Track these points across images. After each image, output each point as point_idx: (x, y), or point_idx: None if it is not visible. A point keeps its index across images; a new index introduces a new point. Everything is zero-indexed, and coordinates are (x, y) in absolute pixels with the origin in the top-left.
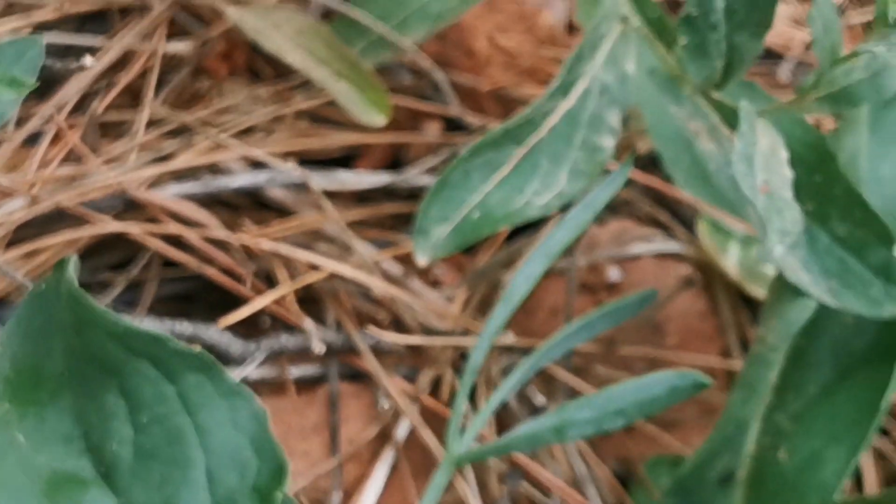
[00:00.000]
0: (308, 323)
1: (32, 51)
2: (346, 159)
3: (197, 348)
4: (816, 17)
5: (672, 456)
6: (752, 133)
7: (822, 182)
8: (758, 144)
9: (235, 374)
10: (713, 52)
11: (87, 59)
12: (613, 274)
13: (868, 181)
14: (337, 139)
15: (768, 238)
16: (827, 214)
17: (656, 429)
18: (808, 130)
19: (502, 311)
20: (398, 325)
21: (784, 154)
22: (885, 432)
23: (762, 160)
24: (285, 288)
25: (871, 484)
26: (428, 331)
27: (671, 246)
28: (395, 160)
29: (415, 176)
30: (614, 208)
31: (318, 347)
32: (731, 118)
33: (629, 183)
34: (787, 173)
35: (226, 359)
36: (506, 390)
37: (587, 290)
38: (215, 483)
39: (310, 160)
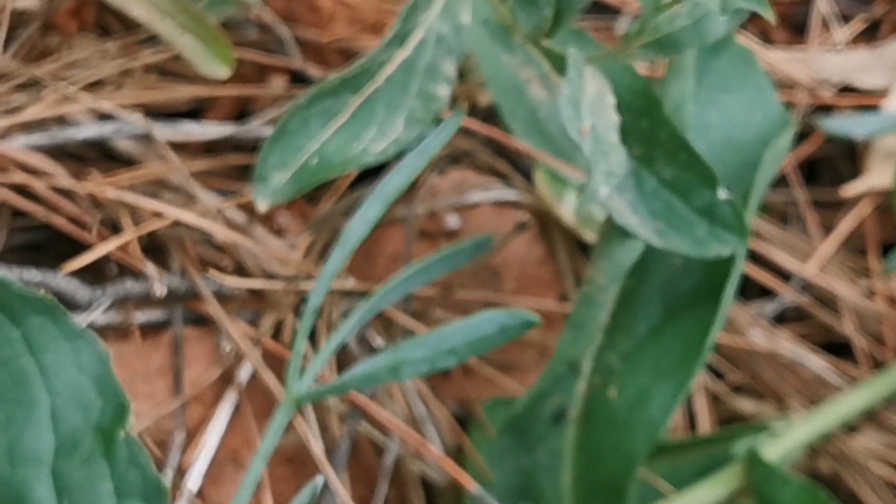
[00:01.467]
0: (150, 268)
1: None
2: (195, 112)
3: (42, 293)
4: None
5: (509, 397)
6: (580, 79)
7: (648, 127)
8: (585, 90)
9: (82, 320)
10: (542, 0)
11: None
12: (452, 221)
13: (695, 127)
14: (184, 92)
15: (594, 179)
16: (653, 158)
17: (495, 371)
18: (636, 77)
19: (340, 253)
20: (241, 272)
21: (611, 99)
22: (719, 375)
23: (589, 105)
24: (129, 234)
25: (705, 425)
26: (270, 276)
27: (509, 194)
28: (241, 113)
29: (258, 127)
30: (455, 159)
31: (160, 290)
32: (560, 65)
33: (470, 134)
34: (614, 118)
35: (73, 305)
36: (345, 332)
37: (427, 237)
38: (59, 422)
39: (159, 113)
